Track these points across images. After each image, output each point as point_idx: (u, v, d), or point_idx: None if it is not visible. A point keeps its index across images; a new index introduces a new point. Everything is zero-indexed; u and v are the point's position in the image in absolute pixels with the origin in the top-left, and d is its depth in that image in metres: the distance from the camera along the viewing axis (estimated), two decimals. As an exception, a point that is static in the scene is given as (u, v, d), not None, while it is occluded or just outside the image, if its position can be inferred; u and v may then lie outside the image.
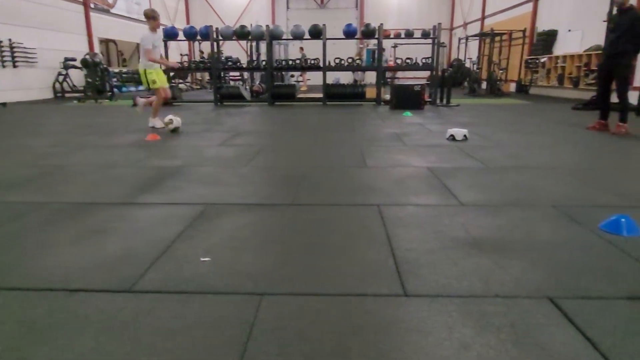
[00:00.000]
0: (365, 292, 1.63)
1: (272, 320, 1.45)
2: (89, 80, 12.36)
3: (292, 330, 1.39)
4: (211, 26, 10.44)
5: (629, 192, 2.91)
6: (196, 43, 18.66)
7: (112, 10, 17.26)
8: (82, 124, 6.98)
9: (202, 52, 17.95)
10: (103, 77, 12.48)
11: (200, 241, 2.09)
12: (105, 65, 12.92)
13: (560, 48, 13.47)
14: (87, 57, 12.50)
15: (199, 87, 20.07)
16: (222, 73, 13.23)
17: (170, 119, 5.71)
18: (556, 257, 1.92)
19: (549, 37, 13.93)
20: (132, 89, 17.28)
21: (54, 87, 13.22)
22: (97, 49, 16.04)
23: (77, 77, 13.68)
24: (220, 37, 10.68)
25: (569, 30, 12.94)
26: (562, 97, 12.63)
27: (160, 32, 6.31)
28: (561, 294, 1.60)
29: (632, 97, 7.18)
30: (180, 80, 18.79)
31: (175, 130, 5.71)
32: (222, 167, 3.71)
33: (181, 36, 10.71)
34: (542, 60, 13.78)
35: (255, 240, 2.14)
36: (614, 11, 5.86)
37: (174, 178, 3.32)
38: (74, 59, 13.25)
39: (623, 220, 2.19)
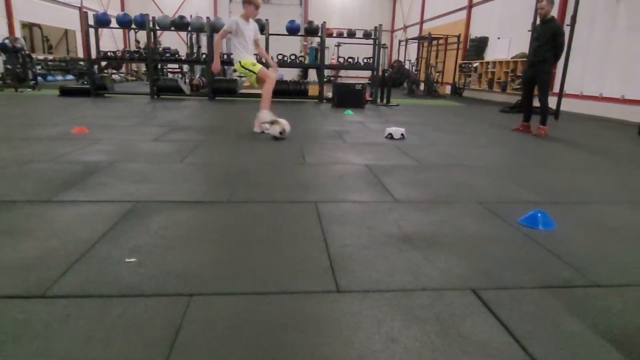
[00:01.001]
0: (298, 290, 1.62)
1: (201, 321, 1.40)
2: (9, 67, 11.32)
3: (221, 332, 1.35)
4: (147, 15, 9.95)
5: (545, 189, 3.15)
6: (132, 32, 17.73)
7: (36, -8, 15.92)
8: (-2, 114, 6.37)
9: (137, 42, 17.07)
10: (25, 64, 11.47)
11: (126, 241, 1.98)
12: (28, 52, 11.88)
13: (491, 54, 14.34)
14: (7, 41, 11.42)
15: (134, 78, 19.10)
16: (159, 65, 12.65)
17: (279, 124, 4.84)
18: (480, 251, 2.03)
19: (481, 44, 14.78)
20: (59, 77, 16.09)
21: (-35, 72, 11.96)
22: (18, 33, 14.74)
23: (-6, 62, 12.47)
24: (157, 27, 10.22)
25: (498, 38, 13.81)
26: (492, 100, 13.46)
27: (253, 23, 5.32)
28: (483, 285, 1.69)
29: (552, 102, 7.79)
30: (114, 71, 17.77)
31: (279, 135, 4.81)
32: (155, 163, 3.54)
33: (114, 24, 10.11)
34: (474, 65, 14.59)
35: (187, 239, 2.06)
36: (538, 21, 6.32)
37: (101, 174, 3.12)
38: (-10, 43, 12.06)
39: (539, 215, 2.36)
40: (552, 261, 1.94)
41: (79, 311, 1.43)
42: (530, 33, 6.30)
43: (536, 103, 6.14)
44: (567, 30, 8.06)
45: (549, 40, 5.78)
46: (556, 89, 8.84)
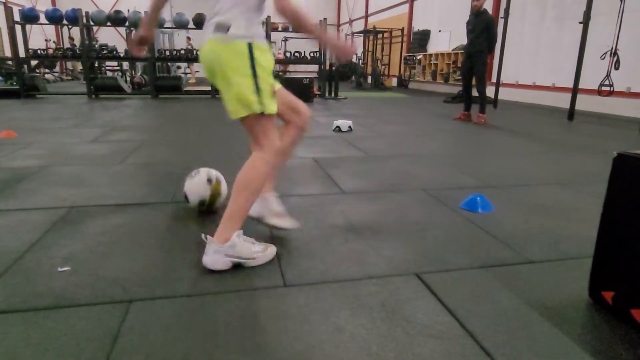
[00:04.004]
0: (245, 287, 1.59)
1: (140, 328, 1.33)
2: None
3: (162, 337, 1.29)
4: (80, 9, 9.38)
5: (484, 174, 3.30)
6: (65, 29, 16.68)
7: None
8: None
9: (72, 39, 16.11)
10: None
11: (58, 249, 1.85)
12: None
13: (433, 47, 14.81)
14: None
15: (70, 77, 18.00)
16: (96, 63, 11.99)
17: None
18: (423, 236, 2.09)
19: (423, 36, 15.22)
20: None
21: None
22: None
23: None
24: (92, 23, 9.66)
25: (439, 31, 14.28)
26: (435, 91, 13.92)
27: None
28: (426, 270, 1.74)
29: (490, 91, 8.18)
30: (47, 70, 16.66)
31: None
32: (92, 166, 3.35)
33: (43, 19, 9.45)
34: (418, 57, 15.02)
35: (126, 243, 1.96)
36: (471, 14, 6.58)
37: (31, 180, 2.91)
38: None
39: (478, 199, 2.47)
40: (490, 242, 2.04)
41: (4, 328, 1.32)
42: (466, 26, 6.58)
43: (475, 93, 6.41)
44: (501, 22, 8.49)
45: (483, 32, 6.05)
46: (494, 78, 9.27)
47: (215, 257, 1.68)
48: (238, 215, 1.71)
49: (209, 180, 2.33)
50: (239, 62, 1.61)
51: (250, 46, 1.61)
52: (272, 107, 1.69)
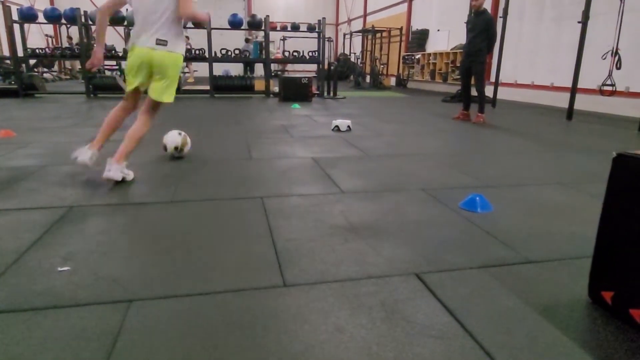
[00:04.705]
0: (244, 287, 1.59)
1: (140, 328, 1.34)
2: None
3: (162, 337, 1.30)
4: (78, 9, 9.36)
5: (483, 174, 3.31)
6: (63, 28, 16.64)
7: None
8: None
9: (70, 38, 16.07)
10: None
11: (58, 249, 1.85)
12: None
13: (432, 46, 14.81)
14: None
15: (68, 77, 17.95)
16: (95, 62, 11.95)
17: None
18: (423, 236, 2.09)
19: (422, 36, 15.23)
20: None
21: None
22: None
23: None
24: (90, 22, 9.64)
25: (438, 30, 14.29)
26: (434, 90, 13.93)
27: None
28: (426, 269, 1.75)
29: (489, 91, 8.19)
30: (45, 69, 16.62)
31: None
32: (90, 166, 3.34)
33: (42, 18, 9.43)
34: (417, 56, 15.02)
35: (126, 242, 1.96)
36: (471, 13, 6.59)
37: (30, 179, 2.91)
38: None
39: (477, 199, 2.47)
40: (490, 242, 2.04)
41: (3, 328, 1.32)
42: (465, 25, 6.58)
43: (474, 92, 6.42)
44: (500, 22, 8.50)
45: (483, 31, 6.06)
46: (492, 78, 9.28)
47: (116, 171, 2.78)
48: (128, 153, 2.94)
49: (180, 133, 3.62)
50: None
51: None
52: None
